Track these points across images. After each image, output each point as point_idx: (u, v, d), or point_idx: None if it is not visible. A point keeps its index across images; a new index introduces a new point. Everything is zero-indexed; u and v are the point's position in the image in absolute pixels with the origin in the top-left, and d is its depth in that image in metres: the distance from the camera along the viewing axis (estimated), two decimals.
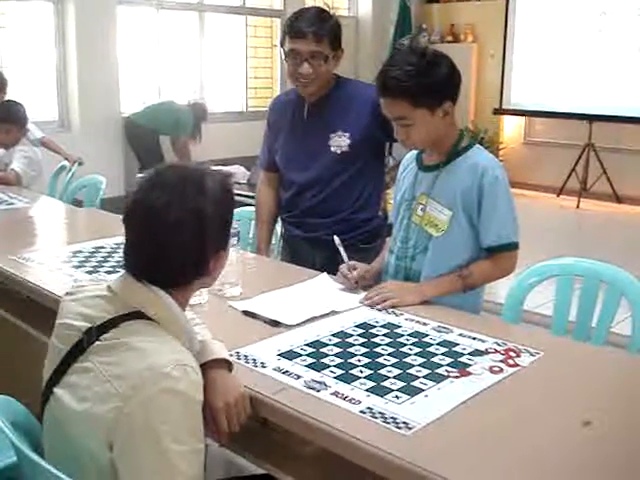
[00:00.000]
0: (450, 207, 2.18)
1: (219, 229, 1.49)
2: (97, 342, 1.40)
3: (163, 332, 1.42)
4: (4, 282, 2.45)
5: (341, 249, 2.32)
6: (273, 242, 2.98)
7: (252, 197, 4.55)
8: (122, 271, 1.52)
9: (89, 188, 4.18)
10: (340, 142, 2.64)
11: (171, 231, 1.41)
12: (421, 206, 2.25)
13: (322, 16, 2.58)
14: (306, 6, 2.69)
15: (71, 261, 2.54)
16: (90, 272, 2.41)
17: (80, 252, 2.65)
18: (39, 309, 2.22)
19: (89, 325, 1.44)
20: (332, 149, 2.66)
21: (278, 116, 2.83)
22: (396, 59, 2.12)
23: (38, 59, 7.24)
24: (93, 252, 2.65)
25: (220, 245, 1.50)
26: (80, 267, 2.47)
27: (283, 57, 2.57)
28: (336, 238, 2.34)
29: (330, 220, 2.70)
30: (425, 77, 2.07)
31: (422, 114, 2.10)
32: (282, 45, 2.57)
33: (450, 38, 9.47)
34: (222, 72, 8.85)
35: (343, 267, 2.30)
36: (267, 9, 9.18)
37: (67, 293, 1.58)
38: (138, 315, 1.42)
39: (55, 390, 1.43)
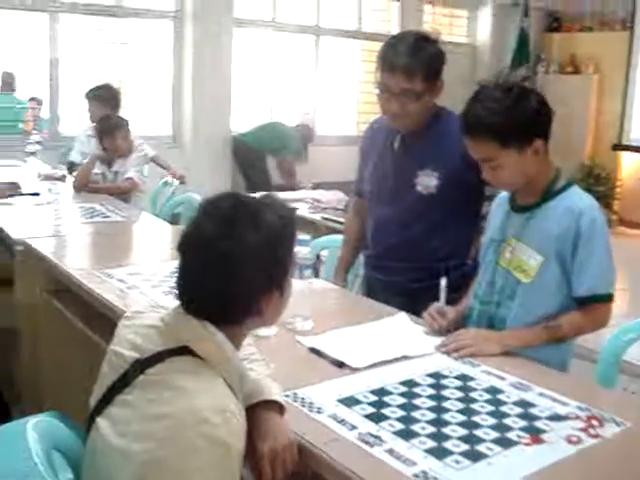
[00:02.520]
0: (541, 252, 2.02)
1: (272, 267, 1.40)
2: (142, 376, 1.35)
3: (209, 371, 1.35)
4: (83, 296, 2.47)
5: (443, 294, 2.16)
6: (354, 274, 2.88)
7: None
8: None
9: (186, 205, 4.21)
10: (427, 182, 2.45)
11: (218, 263, 1.34)
12: (510, 248, 2.10)
13: (418, 45, 2.36)
14: (405, 30, 2.49)
15: (150, 280, 2.53)
16: (166, 293, 2.38)
17: (160, 271, 2.64)
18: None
19: (137, 356, 1.38)
20: (418, 188, 2.46)
21: (369, 142, 2.68)
22: (480, 96, 2.00)
23: (157, 76, 7.47)
24: (174, 272, 2.63)
25: (273, 284, 1.41)
26: (157, 287, 2.45)
27: (375, 86, 2.42)
28: (443, 281, 2.16)
29: (409, 265, 2.52)
30: (511, 114, 1.93)
31: (509, 154, 1.95)
32: (376, 72, 2.43)
33: (570, 69, 9.15)
34: (334, 95, 8.88)
35: (433, 308, 2.16)
36: (383, 34, 9.13)
37: (125, 317, 1.53)
38: (185, 351, 1.36)
39: (98, 420, 1.38)
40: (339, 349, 1.91)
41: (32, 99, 6.67)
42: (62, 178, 4.77)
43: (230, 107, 7.72)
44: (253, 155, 7.56)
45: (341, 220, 4.21)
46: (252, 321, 1.43)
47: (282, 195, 5.00)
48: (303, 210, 4.58)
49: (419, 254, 2.51)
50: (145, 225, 3.69)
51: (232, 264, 1.34)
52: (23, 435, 1.37)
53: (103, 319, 2.34)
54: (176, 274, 1.41)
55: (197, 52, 7.38)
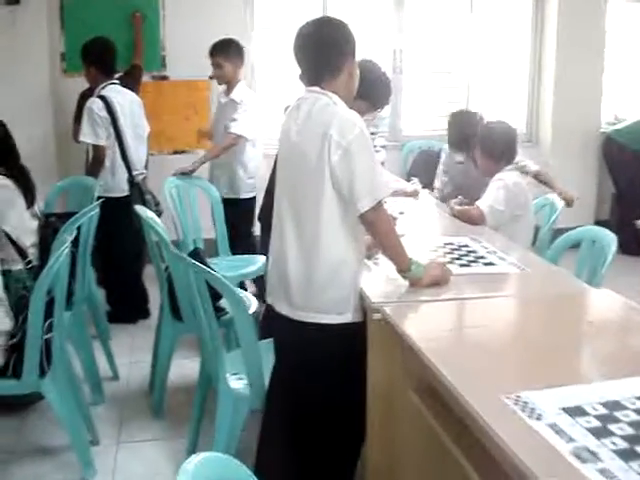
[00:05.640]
0: None
1: None
2: None
3: None
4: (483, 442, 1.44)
5: None
6: None
7: None
8: None
9: (589, 246, 2.96)
10: None
11: None
12: None
13: None
14: None
15: (611, 432, 1.39)
16: None
17: (617, 404, 1.51)
18: None
19: None
20: None
21: None
22: None
23: (511, 61, 6.35)
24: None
25: None
26: (627, 456, 1.33)
27: None
28: None
29: None
30: None
31: None
32: None
33: None
34: None
35: None
36: None
37: None
38: None
39: None
40: None
41: None
42: (414, 194, 3.86)
43: (601, 97, 6.34)
44: (628, 157, 6.13)
45: None
46: None
47: None
48: None
49: None
50: (551, 282, 2.49)
51: None
52: None
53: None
54: None
55: (562, 30, 6.12)
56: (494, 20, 6.24)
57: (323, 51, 2.22)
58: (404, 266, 2.28)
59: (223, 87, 4.52)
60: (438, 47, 6.22)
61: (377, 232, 2.25)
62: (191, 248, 3.84)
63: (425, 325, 2.08)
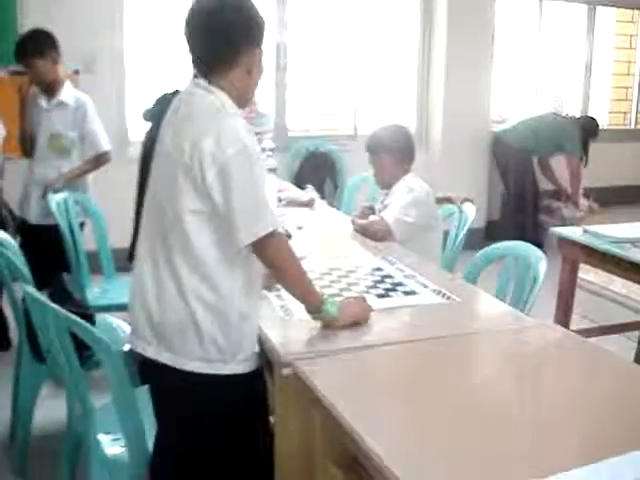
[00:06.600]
0: None
1: None
2: None
3: None
4: None
5: None
6: None
7: None
8: None
9: (516, 262, 2.63)
10: None
11: None
12: None
13: None
14: None
15: None
16: None
17: None
18: None
19: None
20: None
21: None
22: None
23: (398, 61, 6.10)
24: None
25: None
26: None
27: None
28: None
29: None
30: None
31: None
32: None
33: None
34: (609, 79, 7.15)
35: None
36: None
37: None
38: None
39: None
40: None
41: None
42: (310, 203, 3.47)
43: (490, 96, 6.19)
44: (515, 156, 6.03)
45: None
46: None
47: None
48: None
49: None
50: (486, 315, 2.14)
51: None
52: None
53: None
54: None
55: (451, 30, 5.93)
56: (382, 18, 5.97)
57: (216, 36, 1.76)
58: (315, 305, 1.87)
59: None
60: (324, 43, 5.89)
61: (273, 268, 1.82)
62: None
63: (348, 382, 1.66)
